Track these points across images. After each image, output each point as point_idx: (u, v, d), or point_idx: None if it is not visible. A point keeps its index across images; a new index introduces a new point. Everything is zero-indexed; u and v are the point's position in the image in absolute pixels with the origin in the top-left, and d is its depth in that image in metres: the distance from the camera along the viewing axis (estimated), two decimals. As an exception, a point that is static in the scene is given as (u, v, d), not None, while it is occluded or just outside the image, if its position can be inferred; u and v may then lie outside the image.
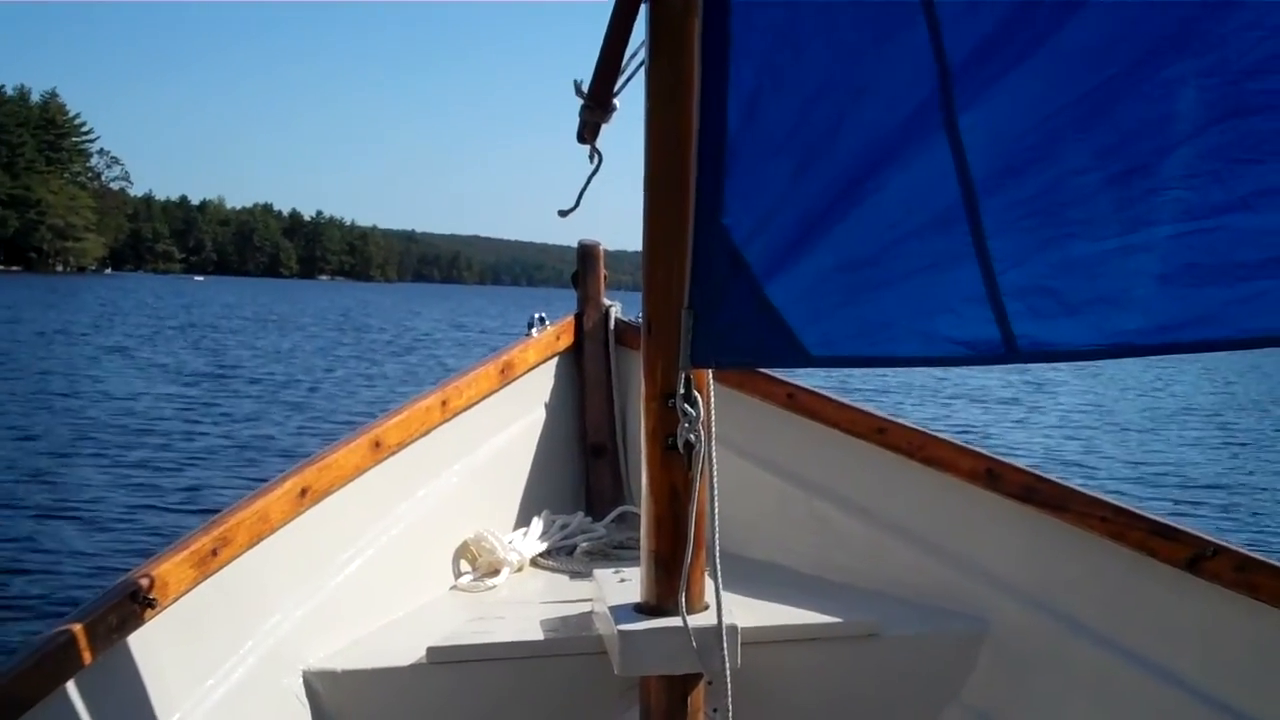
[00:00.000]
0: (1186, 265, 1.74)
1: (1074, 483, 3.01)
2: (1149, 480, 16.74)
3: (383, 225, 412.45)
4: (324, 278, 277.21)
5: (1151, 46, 1.72)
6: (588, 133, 2.57)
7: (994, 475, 3.03)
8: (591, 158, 2.60)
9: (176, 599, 2.43)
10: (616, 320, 4.05)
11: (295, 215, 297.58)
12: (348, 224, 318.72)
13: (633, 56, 2.41)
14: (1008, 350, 1.92)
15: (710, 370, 2.47)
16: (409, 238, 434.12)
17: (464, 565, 3.45)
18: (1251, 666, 2.60)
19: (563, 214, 2.65)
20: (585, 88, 2.49)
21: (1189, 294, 1.75)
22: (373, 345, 38.98)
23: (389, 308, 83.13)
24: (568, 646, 2.84)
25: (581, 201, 2.61)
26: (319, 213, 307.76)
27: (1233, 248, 1.70)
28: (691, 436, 2.40)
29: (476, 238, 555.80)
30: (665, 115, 2.21)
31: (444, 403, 3.41)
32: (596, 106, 2.51)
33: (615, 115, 2.54)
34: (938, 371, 30.65)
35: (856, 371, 22.02)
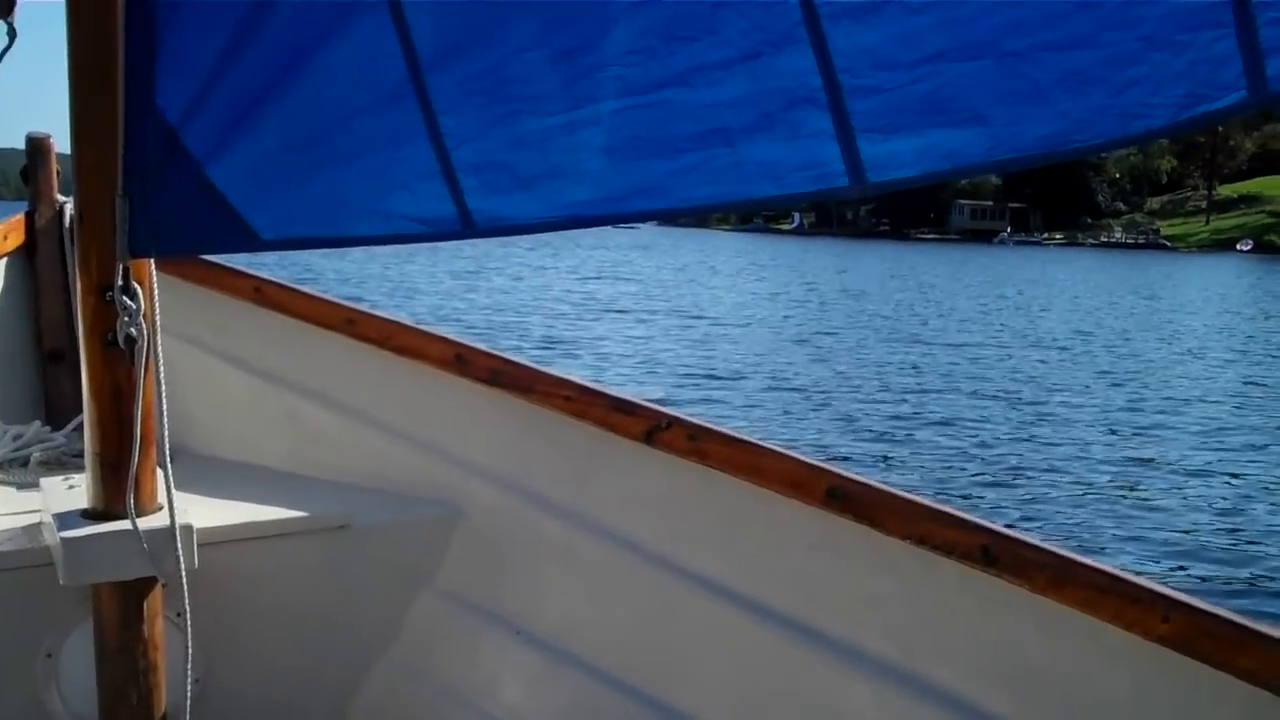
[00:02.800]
0: (630, 139, 1.81)
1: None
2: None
3: None
4: None
5: None
6: (1, 6, 2.32)
7: (462, 360, 3.07)
8: (9, 34, 2.35)
9: None
10: (72, 217, 3.73)
11: None
12: None
13: None
14: (464, 226, 1.95)
15: (152, 260, 2.34)
16: None
17: None
18: (704, 529, 2.81)
19: None
20: None
21: (633, 166, 1.82)
22: None
23: None
24: (11, 560, 2.64)
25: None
26: None
27: (671, 121, 1.76)
28: (133, 330, 2.27)
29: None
30: None
31: None
32: None
33: None
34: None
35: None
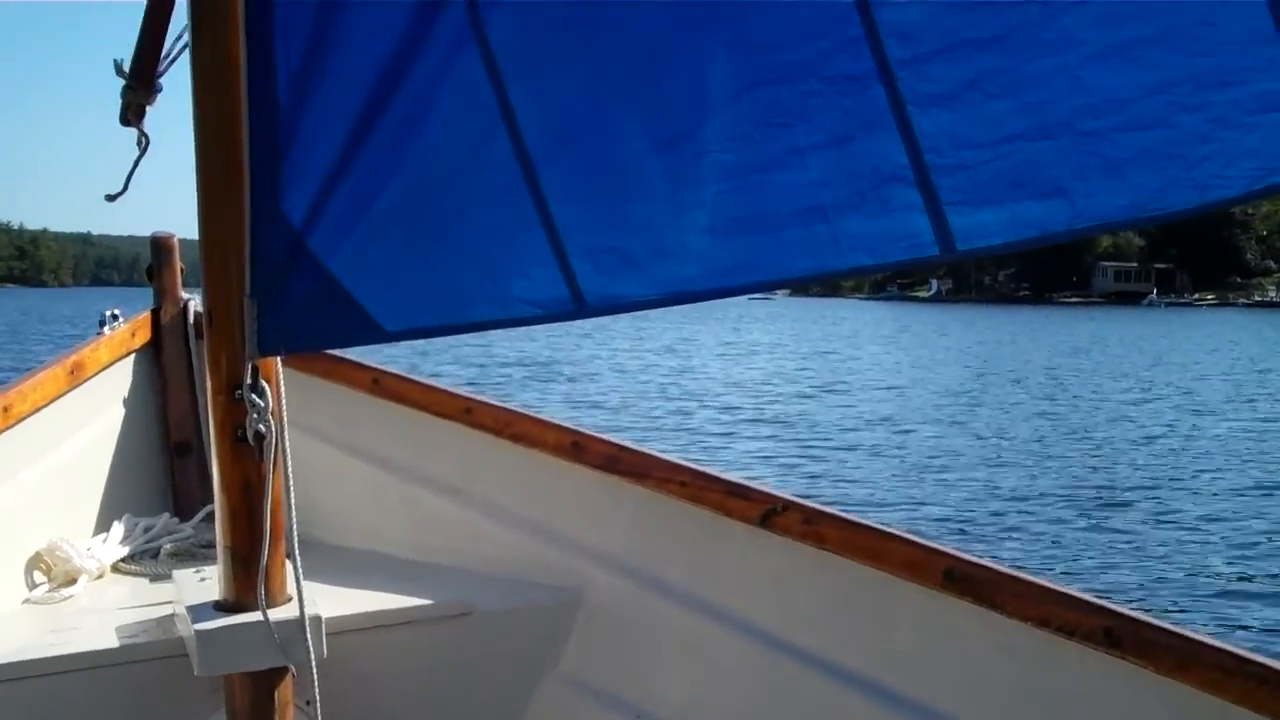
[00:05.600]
0: (731, 219, 1.87)
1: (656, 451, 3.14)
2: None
3: (54, 228, 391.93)
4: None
5: (684, 23, 1.82)
6: (131, 114, 2.46)
7: (579, 448, 3.11)
8: (139, 141, 2.49)
9: None
10: (196, 314, 3.89)
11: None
12: (15, 227, 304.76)
13: (178, 38, 2.32)
14: (577, 306, 2.01)
15: (279, 358, 2.43)
16: (84, 240, 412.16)
17: (38, 577, 3.22)
18: (821, 611, 2.79)
19: (110, 199, 2.53)
20: (126, 67, 2.38)
21: (736, 243, 1.88)
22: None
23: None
24: (147, 651, 2.72)
25: (130, 185, 2.50)
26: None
27: (769, 201, 1.83)
28: (261, 427, 2.35)
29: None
30: (211, 97, 2.14)
31: (5, 409, 3.18)
32: (140, 87, 2.41)
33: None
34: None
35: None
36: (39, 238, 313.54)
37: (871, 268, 1.81)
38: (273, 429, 2.36)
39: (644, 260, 1.96)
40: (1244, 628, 9.78)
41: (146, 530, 3.50)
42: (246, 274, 2.14)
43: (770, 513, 2.76)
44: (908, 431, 21.75)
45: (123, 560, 3.38)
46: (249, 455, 2.38)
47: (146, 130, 2.49)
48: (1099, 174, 1.60)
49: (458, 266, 2.09)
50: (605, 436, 3.16)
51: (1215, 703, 2.08)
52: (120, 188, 2.54)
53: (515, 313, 2.08)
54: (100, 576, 3.28)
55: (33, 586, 3.17)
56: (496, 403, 3.33)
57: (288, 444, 2.40)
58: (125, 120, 2.48)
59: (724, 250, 1.89)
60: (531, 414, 3.29)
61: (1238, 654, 2.09)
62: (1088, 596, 2.31)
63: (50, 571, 3.24)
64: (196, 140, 2.21)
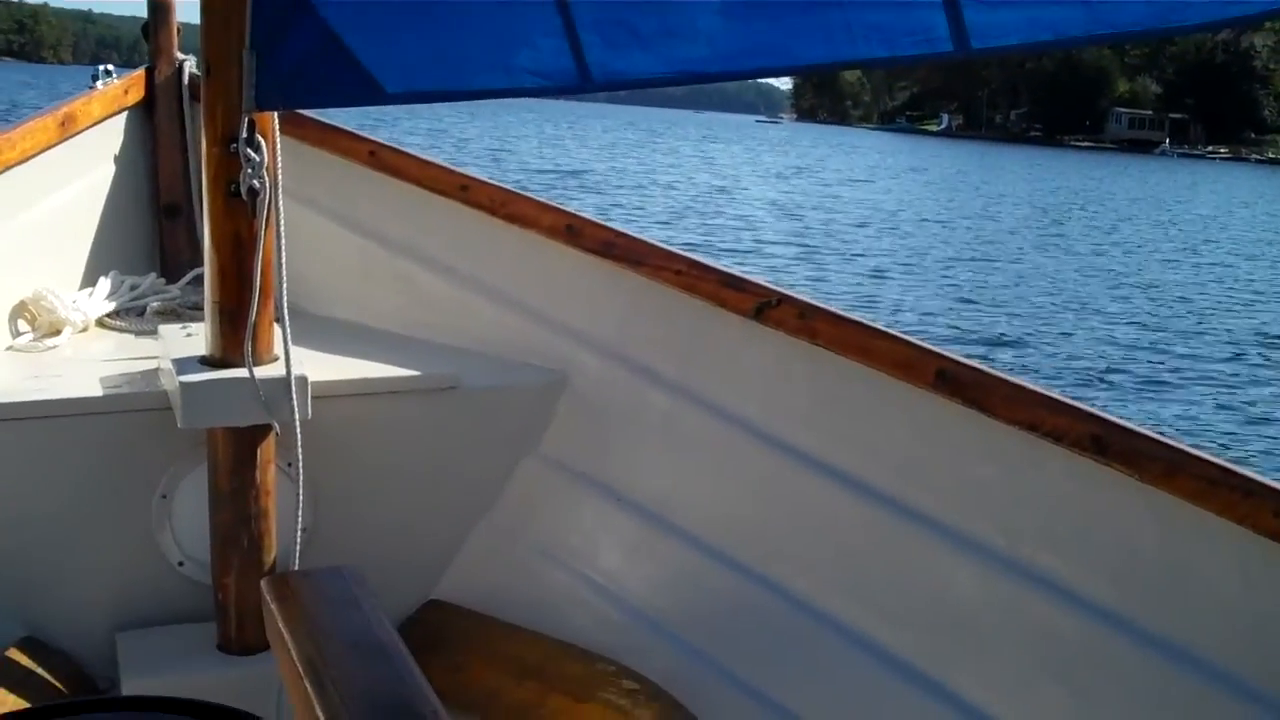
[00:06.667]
0: (744, 1, 1.84)
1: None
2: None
3: (55, 3, 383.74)
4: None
5: None
6: None
7: (574, 231, 3.06)
8: None
9: None
10: (191, 75, 3.79)
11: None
12: (14, 0, 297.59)
13: None
14: (582, 79, 1.98)
15: (275, 114, 2.38)
16: (85, 18, 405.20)
17: (22, 326, 3.20)
18: (810, 407, 2.78)
19: None
20: None
21: (747, 27, 1.85)
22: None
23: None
24: (131, 402, 2.72)
25: None
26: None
27: None
28: (255, 182, 2.33)
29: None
30: None
31: None
32: None
33: None
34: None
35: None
36: (39, 12, 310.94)
37: (883, 60, 1.78)
38: (266, 184, 2.33)
39: (653, 38, 1.93)
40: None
41: (133, 288, 3.48)
42: (247, 25, 2.08)
43: (764, 305, 2.73)
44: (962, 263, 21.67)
45: (108, 315, 3.36)
46: (241, 211, 2.35)
47: None
48: None
49: (464, 31, 2.05)
50: (601, 221, 3.10)
51: (1198, 512, 2.10)
52: None
53: (519, 82, 2.05)
54: (84, 330, 3.26)
55: (16, 335, 3.15)
56: (493, 182, 3.27)
57: (281, 202, 2.37)
58: None
59: (735, 33, 1.87)
60: (528, 195, 3.23)
61: (1223, 465, 2.10)
62: (1077, 403, 2.30)
63: (34, 321, 3.22)
64: None
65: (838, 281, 18.66)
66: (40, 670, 2.64)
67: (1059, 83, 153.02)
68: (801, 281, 17.56)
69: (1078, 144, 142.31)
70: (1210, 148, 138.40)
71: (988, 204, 39.89)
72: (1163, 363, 14.45)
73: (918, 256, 23.08)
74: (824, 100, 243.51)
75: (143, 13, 3.77)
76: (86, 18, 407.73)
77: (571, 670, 2.82)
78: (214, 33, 2.26)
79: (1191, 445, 2.18)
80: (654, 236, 3.10)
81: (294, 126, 3.01)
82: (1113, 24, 1.58)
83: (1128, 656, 2.25)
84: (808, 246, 23.17)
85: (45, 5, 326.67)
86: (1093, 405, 2.34)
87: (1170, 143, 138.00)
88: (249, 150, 2.29)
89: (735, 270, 2.88)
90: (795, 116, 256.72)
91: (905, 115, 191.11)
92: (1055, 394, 2.33)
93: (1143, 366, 13.97)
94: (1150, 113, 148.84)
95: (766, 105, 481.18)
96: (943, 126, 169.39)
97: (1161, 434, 2.22)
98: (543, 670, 2.84)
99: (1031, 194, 47.81)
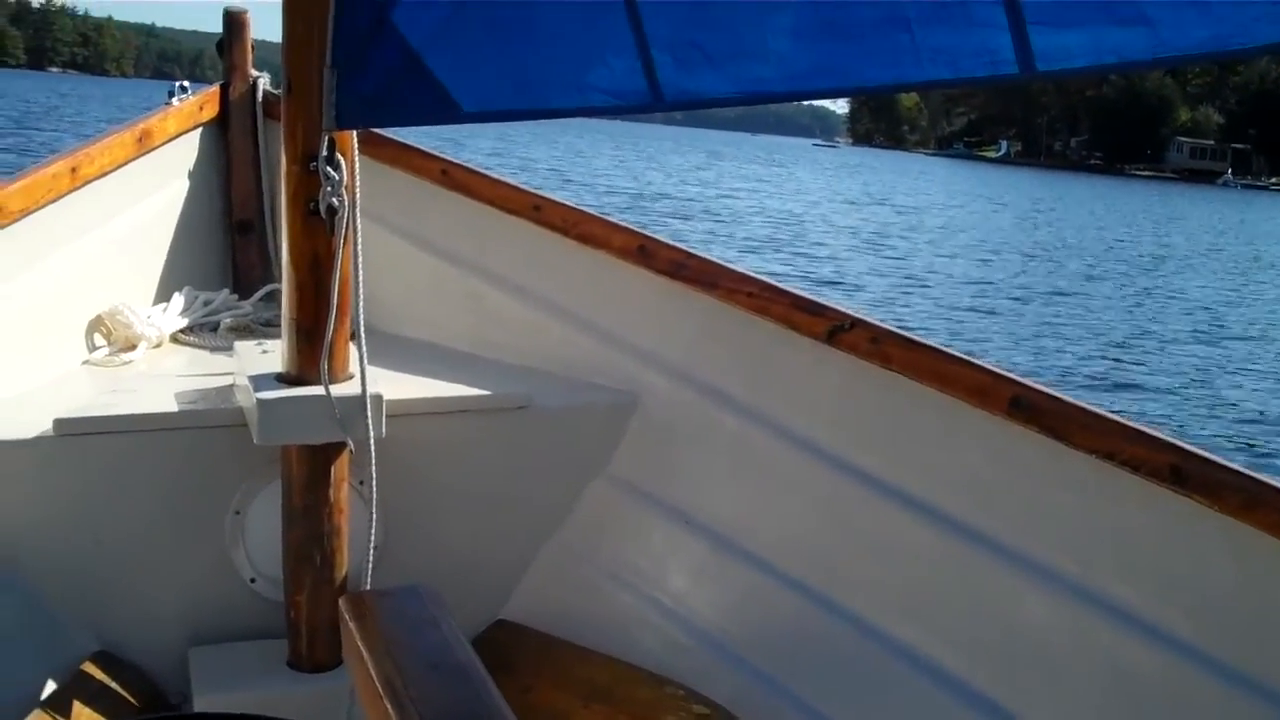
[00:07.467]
0: (814, 22, 1.85)
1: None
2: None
3: (120, 17, 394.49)
4: (55, 70, 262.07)
5: None
6: None
7: (645, 252, 3.07)
8: None
9: None
10: (265, 92, 3.84)
11: (22, 1, 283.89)
12: (80, 13, 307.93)
13: None
14: (654, 98, 2.00)
15: (355, 133, 2.40)
16: (149, 32, 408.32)
17: (98, 340, 3.25)
18: (882, 432, 2.76)
19: None
20: None
21: (816, 48, 1.86)
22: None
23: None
24: (206, 418, 2.75)
25: None
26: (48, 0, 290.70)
27: (854, 7, 1.82)
28: (334, 200, 2.34)
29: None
30: None
31: (74, 169, 3.17)
32: None
33: None
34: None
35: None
36: (103, 26, 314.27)
37: (949, 81, 1.79)
38: (345, 203, 2.35)
39: (724, 58, 1.94)
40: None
41: (207, 304, 3.52)
42: (328, 43, 2.09)
43: (837, 329, 2.71)
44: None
45: (182, 331, 3.40)
46: (320, 229, 2.36)
47: None
48: (1185, 2, 1.58)
49: (539, 50, 2.07)
50: (673, 242, 3.10)
51: (1278, 545, 2.07)
52: None
53: (593, 101, 2.06)
54: (159, 345, 3.30)
55: (93, 349, 3.20)
56: (565, 203, 3.28)
57: (359, 220, 2.39)
58: None
59: (804, 54, 1.88)
60: (600, 215, 3.24)
61: None
62: (1155, 432, 2.27)
63: (110, 335, 3.26)
64: None
65: (935, 313, 18.38)
66: (114, 684, 2.66)
67: (1120, 110, 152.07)
68: (907, 317, 17.33)
69: (1138, 173, 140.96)
70: (1275, 179, 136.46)
71: (1079, 233, 39.53)
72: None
73: (1020, 289, 22.71)
74: (880, 124, 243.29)
75: (204, 28, 3.91)
76: (150, 32, 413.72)
77: (639, 693, 2.82)
78: (296, 51, 2.28)
79: (1272, 478, 2.14)
80: (734, 262, 3.10)
81: (369, 145, 3.04)
82: (1177, 47, 1.59)
83: (1202, 690, 2.20)
84: (897, 276, 22.89)
85: (110, 19, 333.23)
86: (1170, 434, 2.31)
87: (1232, 173, 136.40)
88: (329, 168, 2.30)
89: (808, 294, 2.86)
90: (851, 140, 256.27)
91: (962, 141, 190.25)
92: (1133, 423, 2.30)
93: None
94: (1212, 142, 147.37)
95: (822, 129, 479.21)
96: (1001, 153, 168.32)
97: (1240, 466, 2.18)
98: (611, 693, 2.84)
99: (1119, 223, 47.44)
